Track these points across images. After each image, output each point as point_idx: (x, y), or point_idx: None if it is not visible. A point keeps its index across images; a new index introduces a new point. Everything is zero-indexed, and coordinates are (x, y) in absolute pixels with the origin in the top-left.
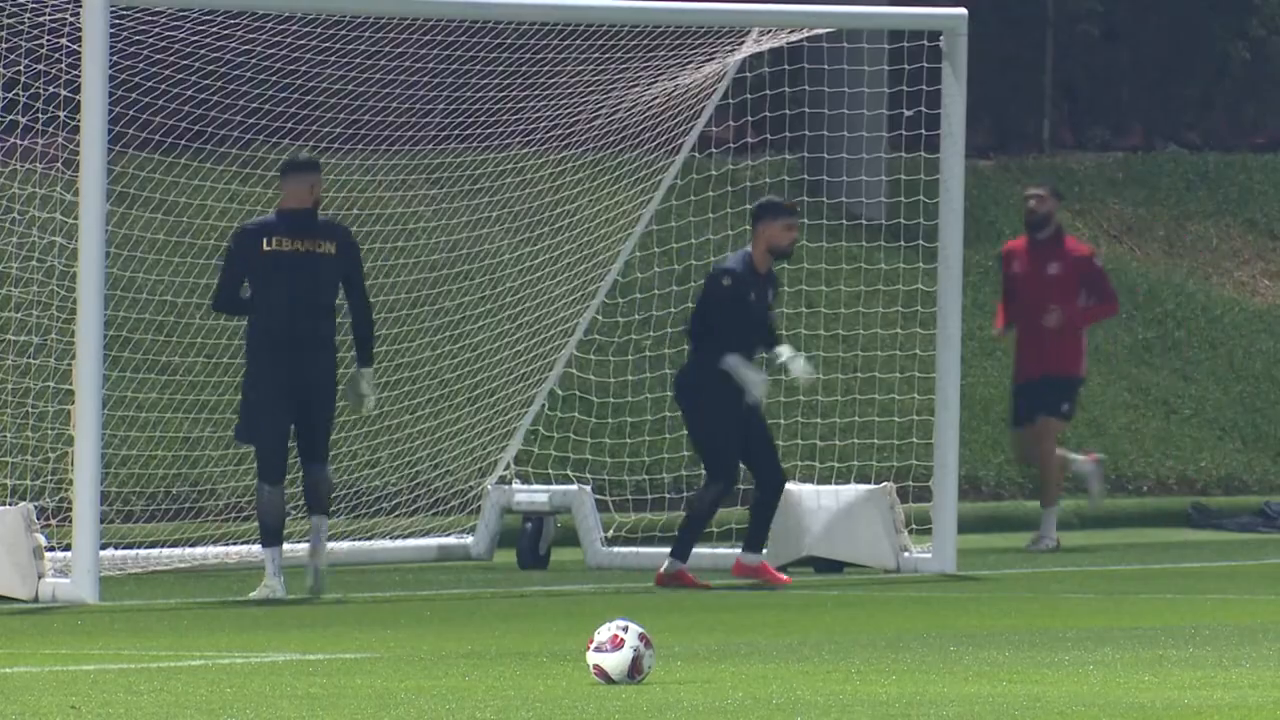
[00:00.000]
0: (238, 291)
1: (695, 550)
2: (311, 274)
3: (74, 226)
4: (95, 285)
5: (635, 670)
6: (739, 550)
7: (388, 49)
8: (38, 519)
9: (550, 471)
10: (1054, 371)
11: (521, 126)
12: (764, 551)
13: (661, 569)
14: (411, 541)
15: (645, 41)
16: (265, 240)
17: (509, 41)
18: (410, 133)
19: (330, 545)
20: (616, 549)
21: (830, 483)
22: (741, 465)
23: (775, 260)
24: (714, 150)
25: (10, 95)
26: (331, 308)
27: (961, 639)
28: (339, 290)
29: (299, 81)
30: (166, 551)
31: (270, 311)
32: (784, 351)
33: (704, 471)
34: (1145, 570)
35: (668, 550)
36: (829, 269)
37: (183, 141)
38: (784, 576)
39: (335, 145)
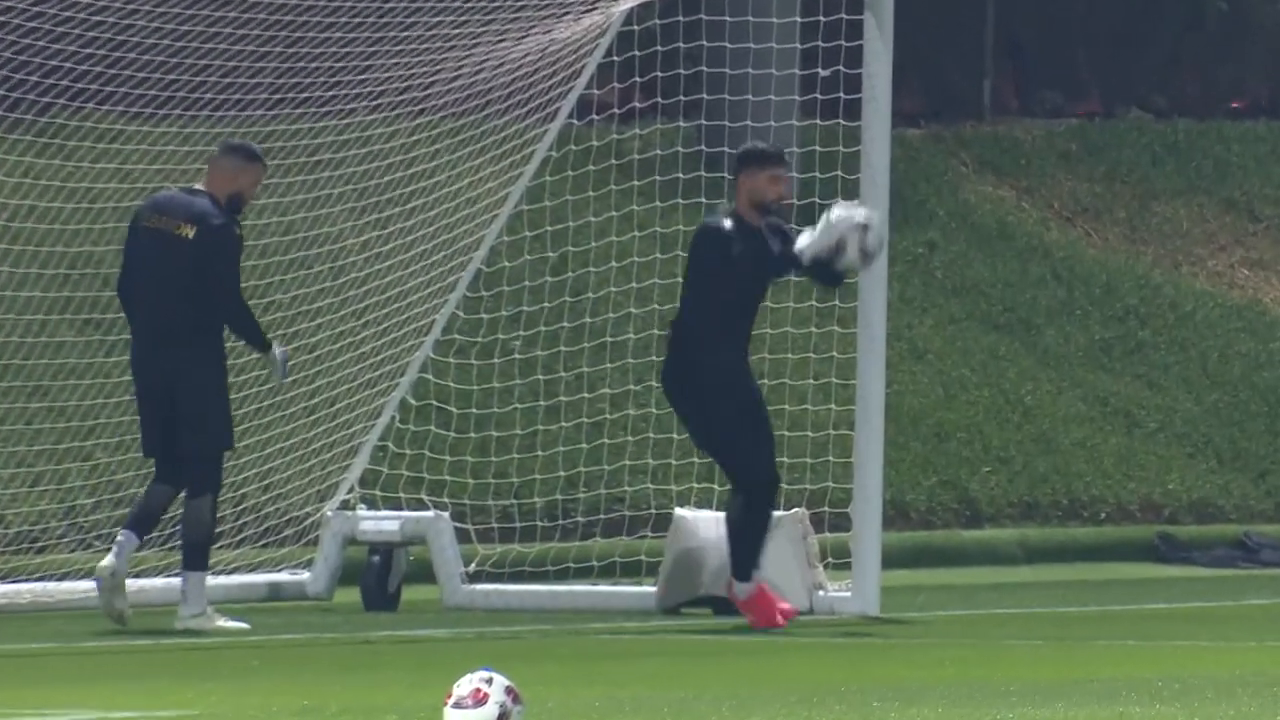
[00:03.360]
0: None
1: (574, 588)
2: (165, 257)
3: None
4: None
5: None
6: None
7: None
8: None
9: (402, 495)
10: None
11: (368, 89)
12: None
13: (733, 589)
14: (237, 578)
15: None
16: (145, 215)
17: None
18: (236, 96)
19: (141, 582)
20: (480, 586)
21: None
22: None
23: (762, 213)
24: (595, 117)
25: None
26: (186, 297)
27: (886, 693)
28: (201, 279)
29: (105, 36)
30: None
31: (134, 295)
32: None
33: (731, 483)
34: (1103, 612)
35: (538, 587)
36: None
37: None
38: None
39: (148, 110)
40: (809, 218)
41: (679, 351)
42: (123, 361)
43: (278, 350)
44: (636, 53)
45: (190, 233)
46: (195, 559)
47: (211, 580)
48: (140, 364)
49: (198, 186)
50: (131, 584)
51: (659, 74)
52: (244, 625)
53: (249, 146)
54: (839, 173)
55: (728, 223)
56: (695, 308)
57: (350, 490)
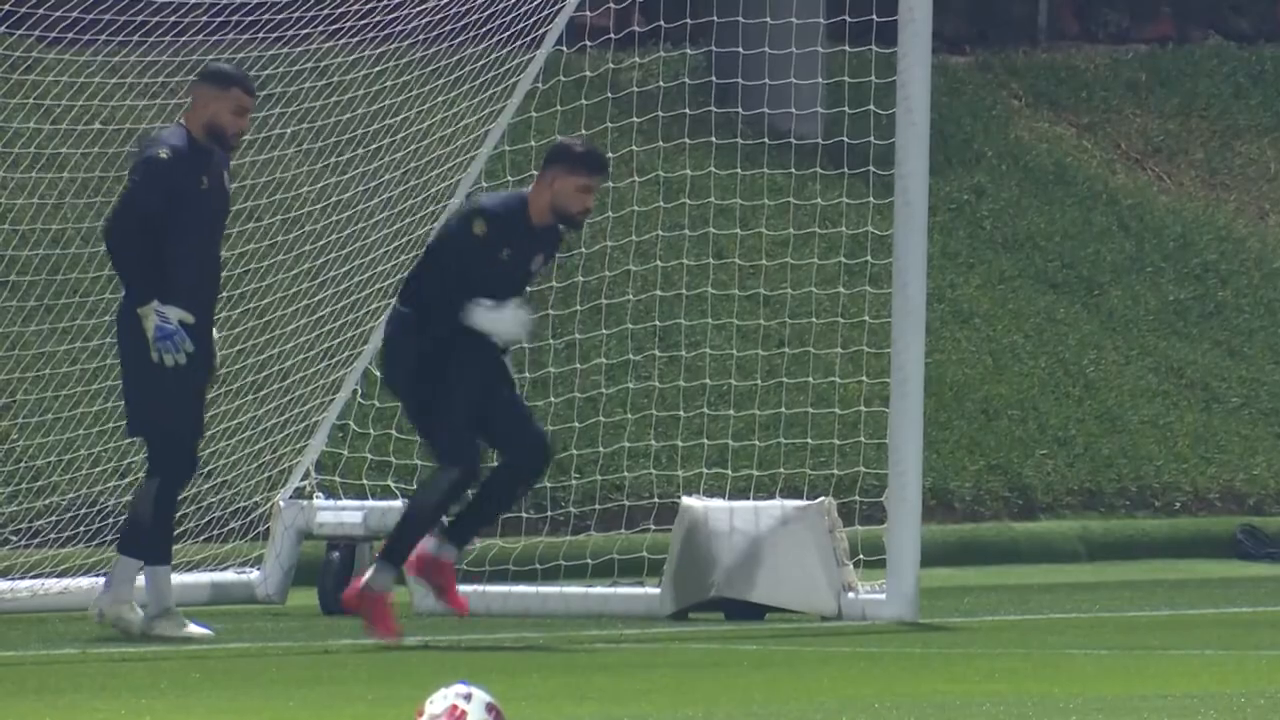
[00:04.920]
0: None
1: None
2: None
3: None
4: None
5: None
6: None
7: None
8: None
9: (365, 482)
10: None
11: (325, 11)
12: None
13: (364, 578)
14: (175, 578)
15: None
16: None
17: None
18: (173, 19)
19: (65, 581)
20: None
21: (747, 497)
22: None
23: (560, 223)
24: (588, 44)
25: None
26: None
27: (927, 709)
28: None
29: None
30: None
31: None
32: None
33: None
34: (1177, 617)
35: (524, 589)
36: (746, 205)
37: None
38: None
39: (69, 36)
40: (837, 160)
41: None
42: (41, 330)
43: (155, 316)
44: None
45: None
46: (125, 544)
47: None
48: None
49: (181, 120)
50: (56, 584)
51: None
52: (208, 631)
53: (218, 70)
54: (871, 107)
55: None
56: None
57: (305, 476)
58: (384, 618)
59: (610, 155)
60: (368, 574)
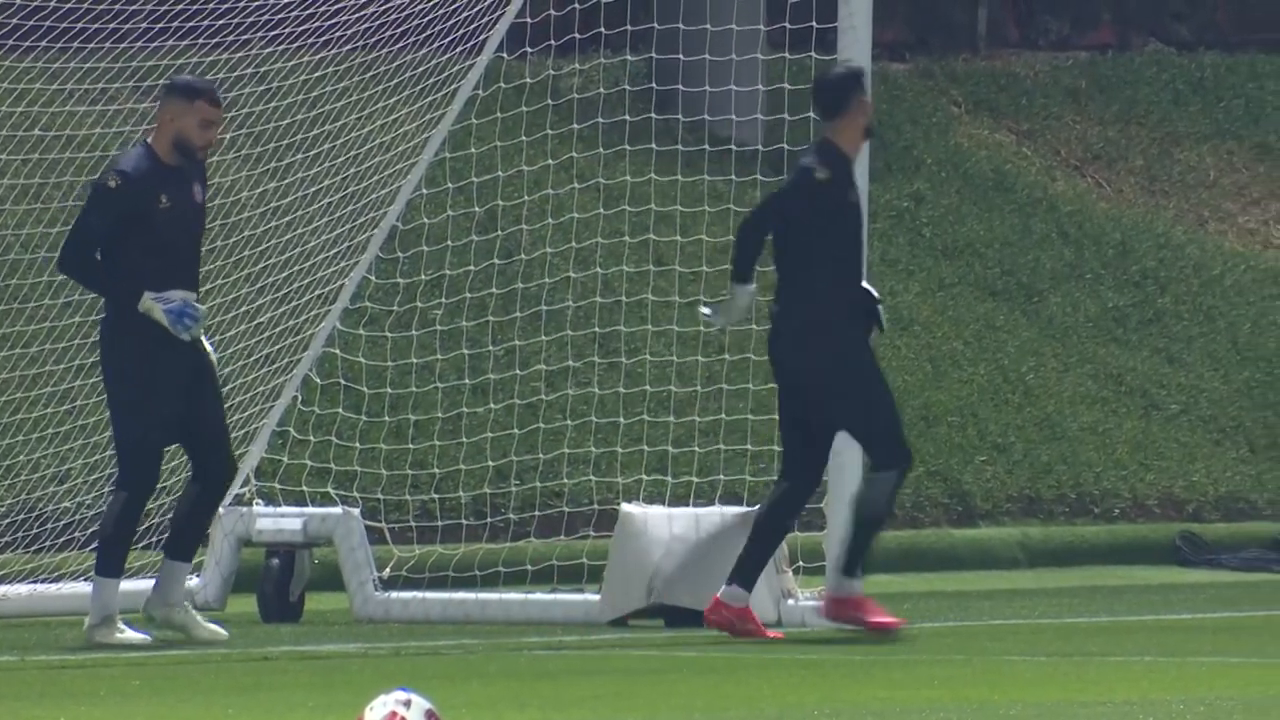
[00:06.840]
0: None
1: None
2: None
3: None
4: None
5: None
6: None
7: None
8: None
9: (305, 488)
10: None
11: (264, 16)
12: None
13: (720, 595)
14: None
15: None
16: None
17: None
18: (112, 25)
19: (3, 588)
20: (395, 594)
21: (686, 504)
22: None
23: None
24: (529, 50)
25: None
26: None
27: (867, 716)
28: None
29: None
30: None
31: None
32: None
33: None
34: (1117, 623)
35: (464, 595)
36: (686, 212)
37: None
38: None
39: (8, 42)
40: (778, 167)
41: None
42: None
43: (157, 303)
44: None
45: None
46: (98, 560)
47: (83, 587)
48: None
49: (147, 139)
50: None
51: None
52: (146, 637)
53: (184, 84)
54: (811, 115)
55: None
56: None
57: (245, 483)
58: (876, 611)
59: (550, 162)
60: (831, 587)
